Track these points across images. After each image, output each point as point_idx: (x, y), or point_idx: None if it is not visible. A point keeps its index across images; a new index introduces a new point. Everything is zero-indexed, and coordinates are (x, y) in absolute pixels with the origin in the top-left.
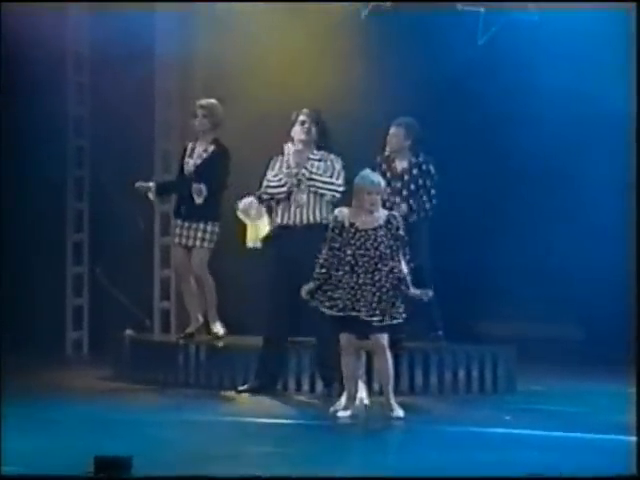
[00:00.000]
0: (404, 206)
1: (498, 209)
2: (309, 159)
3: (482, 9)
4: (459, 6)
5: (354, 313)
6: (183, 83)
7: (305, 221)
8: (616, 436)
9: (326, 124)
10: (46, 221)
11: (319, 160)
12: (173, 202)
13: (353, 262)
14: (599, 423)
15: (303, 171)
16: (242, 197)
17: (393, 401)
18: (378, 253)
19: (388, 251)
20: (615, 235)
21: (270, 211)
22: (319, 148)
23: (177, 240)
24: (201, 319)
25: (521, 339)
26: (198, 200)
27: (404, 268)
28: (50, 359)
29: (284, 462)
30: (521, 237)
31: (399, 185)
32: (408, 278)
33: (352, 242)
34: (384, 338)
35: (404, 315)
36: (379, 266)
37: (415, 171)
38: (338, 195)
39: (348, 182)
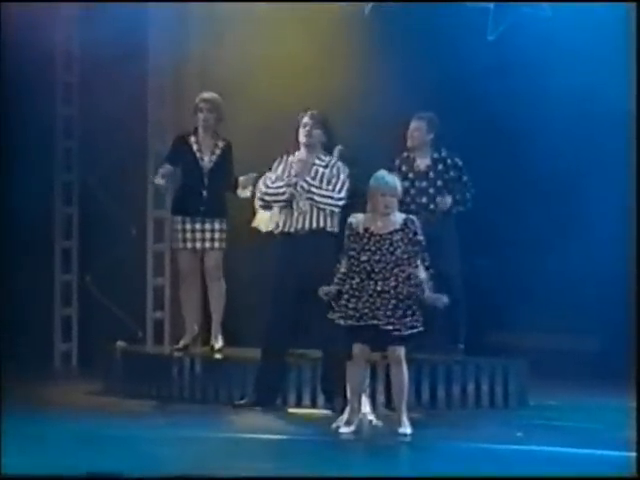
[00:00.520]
0: (448, 198)
1: (507, 214)
2: (314, 165)
3: (492, 4)
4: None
5: (374, 322)
6: (178, 80)
7: (307, 228)
8: (632, 453)
9: (331, 126)
10: (33, 227)
11: (325, 167)
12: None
13: (369, 268)
14: (614, 440)
15: (302, 183)
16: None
17: (405, 417)
18: (394, 258)
19: (405, 256)
20: (632, 245)
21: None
22: (327, 152)
23: (189, 245)
24: (196, 329)
25: (533, 351)
26: (243, 194)
27: (422, 274)
28: (37, 372)
29: None
30: (532, 245)
31: (424, 184)
32: (426, 284)
33: (367, 247)
34: (401, 350)
35: (420, 326)
36: (395, 271)
37: (440, 167)
38: (337, 210)
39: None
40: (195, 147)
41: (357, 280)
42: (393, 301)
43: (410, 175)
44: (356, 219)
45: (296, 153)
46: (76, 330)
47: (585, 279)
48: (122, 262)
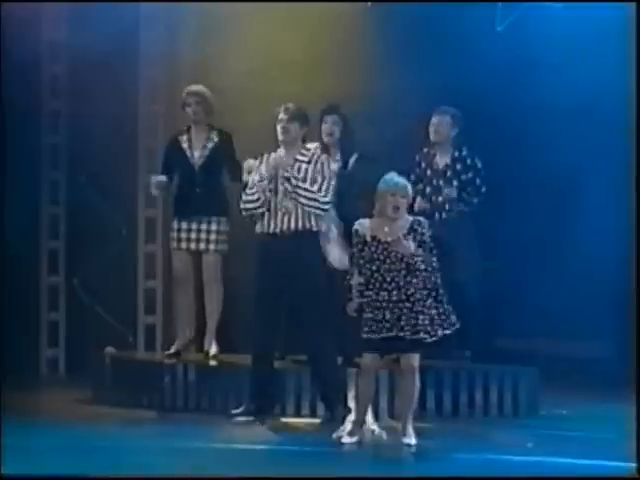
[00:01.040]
0: (454, 191)
1: (514, 215)
2: (296, 161)
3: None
4: None
5: (399, 333)
6: (170, 74)
7: (293, 228)
8: None
9: (308, 118)
10: (18, 226)
11: (308, 162)
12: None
13: (381, 279)
14: (629, 451)
15: (286, 185)
16: None
17: (410, 427)
18: (404, 265)
19: (415, 260)
20: None
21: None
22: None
23: (184, 245)
24: (189, 335)
25: (544, 357)
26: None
27: (435, 277)
28: (22, 380)
29: None
30: (542, 245)
31: (441, 182)
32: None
33: (376, 257)
34: (416, 358)
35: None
36: (409, 279)
37: (459, 166)
38: (322, 213)
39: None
40: (186, 144)
41: (374, 291)
42: (410, 310)
43: (428, 172)
44: (362, 227)
45: (277, 151)
46: (63, 335)
47: (599, 285)
48: (112, 264)
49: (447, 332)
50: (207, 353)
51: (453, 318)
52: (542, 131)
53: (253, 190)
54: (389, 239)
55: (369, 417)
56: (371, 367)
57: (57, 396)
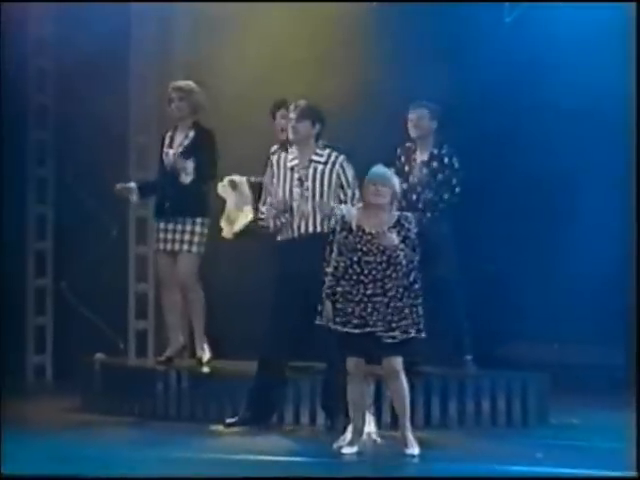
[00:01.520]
0: (429, 192)
1: (515, 217)
2: (312, 162)
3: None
4: None
5: (368, 329)
6: (161, 70)
7: (311, 231)
8: None
9: (323, 116)
10: (3, 226)
11: (324, 163)
12: (153, 204)
13: (359, 270)
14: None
15: (305, 193)
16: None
17: (410, 435)
18: (385, 258)
19: (397, 255)
20: None
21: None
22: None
23: (161, 246)
24: (182, 340)
25: (554, 364)
26: (185, 180)
27: (415, 276)
28: (7, 387)
29: None
30: (553, 246)
31: (415, 180)
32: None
33: (359, 247)
34: (398, 361)
35: (421, 332)
36: (388, 272)
37: (435, 164)
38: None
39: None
40: (167, 142)
41: (350, 282)
42: (390, 304)
43: (406, 168)
44: (350, 214)
45: (288, 151)
46: (50, 341)
47: (609, 289)
48: (101, 266)
49: (415, 335)
50: (200, 359)
51: (422, 325)
52: (542, 131)
53: (265, 215)
54: (373, 231)
55: (371, 426)
56: (356, 372)
57: (44, 404)
